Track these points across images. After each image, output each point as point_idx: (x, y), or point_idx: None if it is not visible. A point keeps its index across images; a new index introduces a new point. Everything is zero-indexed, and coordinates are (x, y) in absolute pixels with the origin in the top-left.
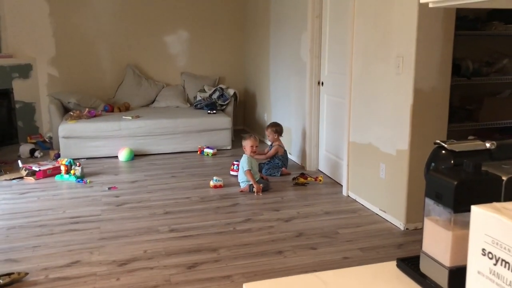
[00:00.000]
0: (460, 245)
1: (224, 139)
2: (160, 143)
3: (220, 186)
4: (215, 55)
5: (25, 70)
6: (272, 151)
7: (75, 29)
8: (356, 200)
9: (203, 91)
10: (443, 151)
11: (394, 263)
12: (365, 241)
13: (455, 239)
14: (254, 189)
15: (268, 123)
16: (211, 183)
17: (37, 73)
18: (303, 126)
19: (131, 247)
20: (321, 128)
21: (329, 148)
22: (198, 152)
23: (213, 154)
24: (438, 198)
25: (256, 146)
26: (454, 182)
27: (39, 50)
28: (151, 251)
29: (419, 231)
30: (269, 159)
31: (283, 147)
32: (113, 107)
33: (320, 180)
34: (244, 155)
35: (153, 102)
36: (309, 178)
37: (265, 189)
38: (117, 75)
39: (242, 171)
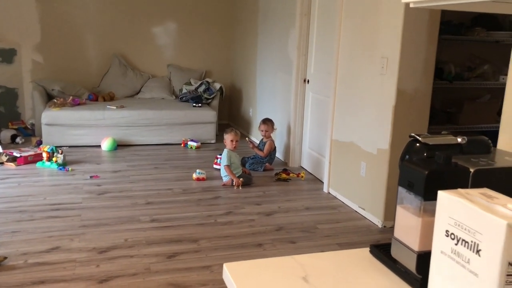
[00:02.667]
0: (428, 231)
1: (209, 132)
2: (144, 134)
3: (203, 179)
4: (203, 48)
5: (8, 55)
6: (267, 147)
7: (62, 16)
8: (336, 197)
9: (189, 84)
10: (417, 144)
11: (367, 249)
12: (343, 237)
13: (424, 225)
14: (234, 183)
15: (262, 119)
16: (194, 175)
17: (21, 59)
18: (287, 123)
19: (112, 235)
20: (305, 125)
21: (312, 145)
22: (182, 145)
23: (197, 147)
24: (410, 186)
25: (237, 141)
26: (425, 172)
27: (24, 36)
28: (132, 240)
29: None
30: (266, 156)
31: (274, 142)
32: (98, 96)
33: (302, 177)
34: (225, 149)
35: (138, 93)
36: (291, 174)
37: (247, 183)
38: (103, 64)
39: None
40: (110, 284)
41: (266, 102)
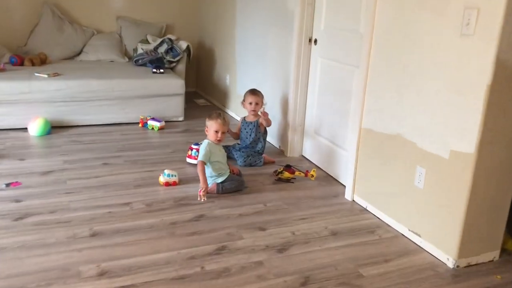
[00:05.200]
0: None
1: (175, 108)
2: (88, 112)
3: (174, 184)
4: None
5: None
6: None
7: None
8: (367, 209)
9: (146, 42)
10: None
11: None
12: None
13: None
14: (199, 192)
15: (249, 89)
16: (161, 179)
17: None
18: (283, 98)
19: None
20: (310, 102)
21: (321, 130)
22: (140, 125)
23: (160, 128)
24: None
25: (223, 132)
26: None
27: None
28: None
29: (475, 270)
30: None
31: None
32: (23, 59)
33: (312, 176)
34: (205, 140)
35: (79, 53)
36: (297, 173)
37: (238, 189)
38: (30, 16)
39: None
40: None
41: (250, 68)
